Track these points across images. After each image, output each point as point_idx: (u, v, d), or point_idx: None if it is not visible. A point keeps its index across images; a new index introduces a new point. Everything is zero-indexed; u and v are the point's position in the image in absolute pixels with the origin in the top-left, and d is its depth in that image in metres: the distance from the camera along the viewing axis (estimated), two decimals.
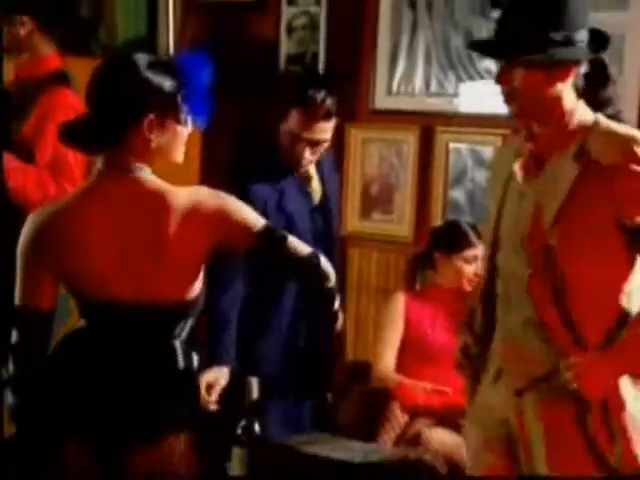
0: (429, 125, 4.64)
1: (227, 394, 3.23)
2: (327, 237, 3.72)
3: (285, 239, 2.55)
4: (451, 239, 4.12)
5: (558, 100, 2.52)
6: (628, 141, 2.47)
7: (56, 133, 2.67)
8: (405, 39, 4.72)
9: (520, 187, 2.57)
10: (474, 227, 4.14)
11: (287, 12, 4.95)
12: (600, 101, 2.59)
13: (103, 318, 2.55)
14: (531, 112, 2.54)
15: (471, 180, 4.57)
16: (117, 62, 2.68)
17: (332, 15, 4.88)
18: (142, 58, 2.58)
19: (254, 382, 3.01)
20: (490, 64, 4.26)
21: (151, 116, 2.53)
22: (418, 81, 4.70)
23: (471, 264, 4.06)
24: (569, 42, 2.46)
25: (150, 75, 2.55)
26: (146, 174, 2.57)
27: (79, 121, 2.60)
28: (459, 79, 4.58)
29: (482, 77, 4.49)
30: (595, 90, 2.59)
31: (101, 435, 2.50)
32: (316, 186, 3.75)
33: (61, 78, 3.80)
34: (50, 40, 3.82)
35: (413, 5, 4.68)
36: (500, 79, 2.54)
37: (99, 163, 2.62)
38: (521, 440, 2.57)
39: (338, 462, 3.17)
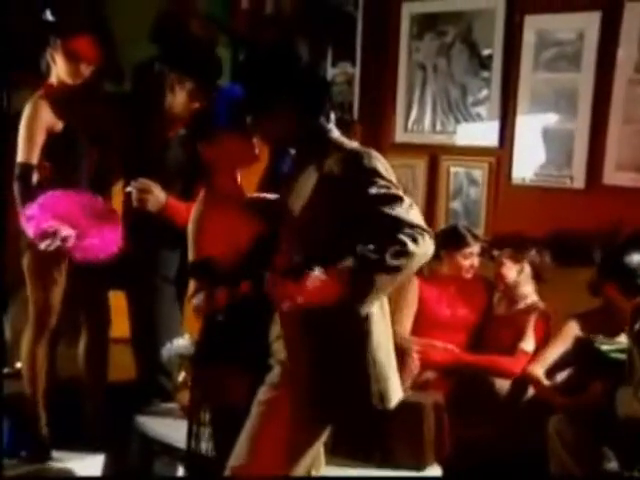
0: (435, 154, 5.16)
1: None
2: None
3: None
4: (453, 240, 4.36)
5: None
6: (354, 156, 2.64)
7: None
8: (417, 92, 5.23)
9: None
10: (470, 230, 4.46)
11: (330, 72, 5.40)
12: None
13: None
14: None
15: (466, 195, 5.06)
16: None
17: (364, 74, 5.32)
18: None
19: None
20: (480, 110, 4.95)
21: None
22: (427, 122, 5.20)
23: (467, 259, 4.37)
24: None
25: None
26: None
27: None
28: (457, 121, 5.08)
29: (474, 120, 5.02)
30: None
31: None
32: None
33: None
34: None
35: (423, 68, 5.20)
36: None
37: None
38: None
39: None
